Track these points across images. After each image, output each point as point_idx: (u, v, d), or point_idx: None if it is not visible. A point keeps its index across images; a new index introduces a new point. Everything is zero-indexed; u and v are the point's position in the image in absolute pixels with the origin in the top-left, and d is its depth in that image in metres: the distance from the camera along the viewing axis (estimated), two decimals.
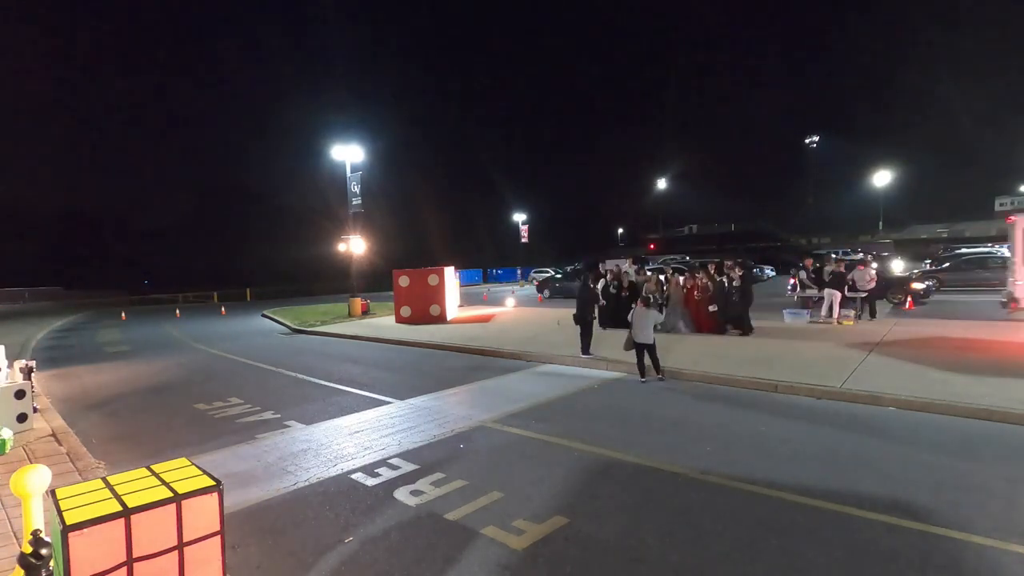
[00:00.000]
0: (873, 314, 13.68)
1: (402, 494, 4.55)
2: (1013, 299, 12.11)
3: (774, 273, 34.98)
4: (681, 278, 13.35)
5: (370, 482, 4.87)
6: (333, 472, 5.14)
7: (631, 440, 5.72)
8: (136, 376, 10.95)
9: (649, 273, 15.49)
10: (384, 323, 17.94)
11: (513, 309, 20.79)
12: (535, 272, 45.51)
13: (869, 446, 5.33)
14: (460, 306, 21.33)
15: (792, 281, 16.50)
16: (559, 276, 35.01)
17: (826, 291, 13.39)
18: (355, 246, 21.78)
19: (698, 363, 8.97)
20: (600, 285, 13.88)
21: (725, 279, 12.31)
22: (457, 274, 21.32)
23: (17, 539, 3.88)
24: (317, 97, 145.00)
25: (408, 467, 5.18)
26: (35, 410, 7.02)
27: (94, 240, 79.52)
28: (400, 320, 17.70)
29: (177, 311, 31.87)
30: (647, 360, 8.43)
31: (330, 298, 34.66)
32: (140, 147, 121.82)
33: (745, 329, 11.79)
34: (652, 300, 9.38)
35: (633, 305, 9.27)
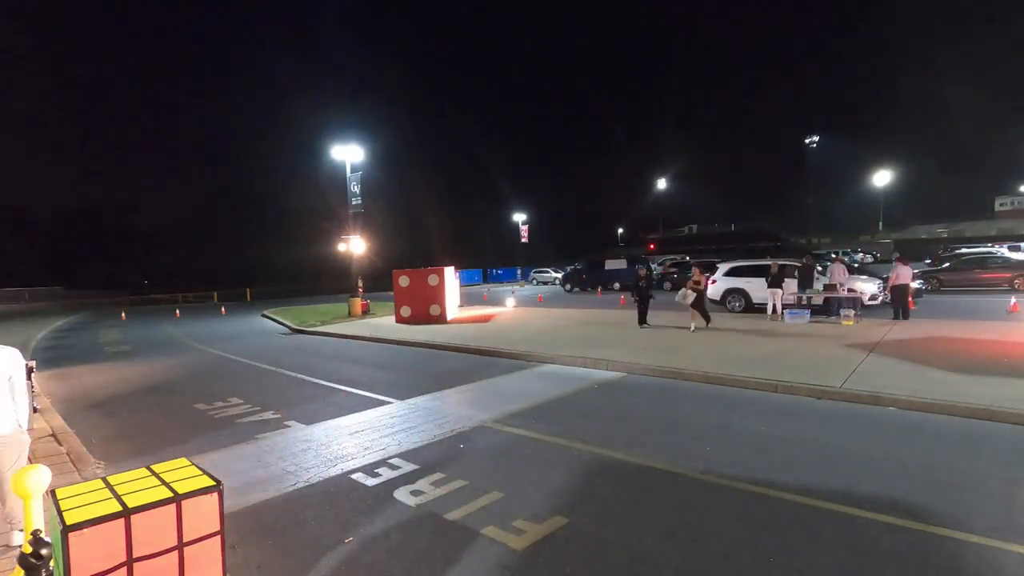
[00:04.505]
0: (906, 315, 13.01)
1: (402, 494, 4.55)
2: None
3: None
4: None
5: (370, 482, 4.87)
6: (333, 472, 5.15)
7: (631, 440, 5.72)
8: (136, 376, 10.95)
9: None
10: (384, 323, 17.93)
11: (513, 309, 20.79)
12: (535, 272, 45.52)
13: (869, 446, 5.32)
14: (460, 306, 21.32)
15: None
16: (580, 268, 34.81)
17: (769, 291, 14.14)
18: (355, 246, 21.78)
19: (698, 363, 8.97)
20: None
21: None
22: (457, 274, 21.31)
23: None
24: (318, 97, 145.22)
25: (408, 467, 5.18)
26: (35, 410, 7.02)
27: (94, 240, 79.45)
28: (400, 320, 17.70)
29: (177, 311, 31.86)
30: None
31: (330, 298, 34.65)
32: (140, 147, 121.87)
33: None
34: None
35: None
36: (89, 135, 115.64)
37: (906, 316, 13.00)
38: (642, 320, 13.72)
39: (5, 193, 75.61)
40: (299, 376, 10.09)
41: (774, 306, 14.30)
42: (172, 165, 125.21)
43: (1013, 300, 14.35)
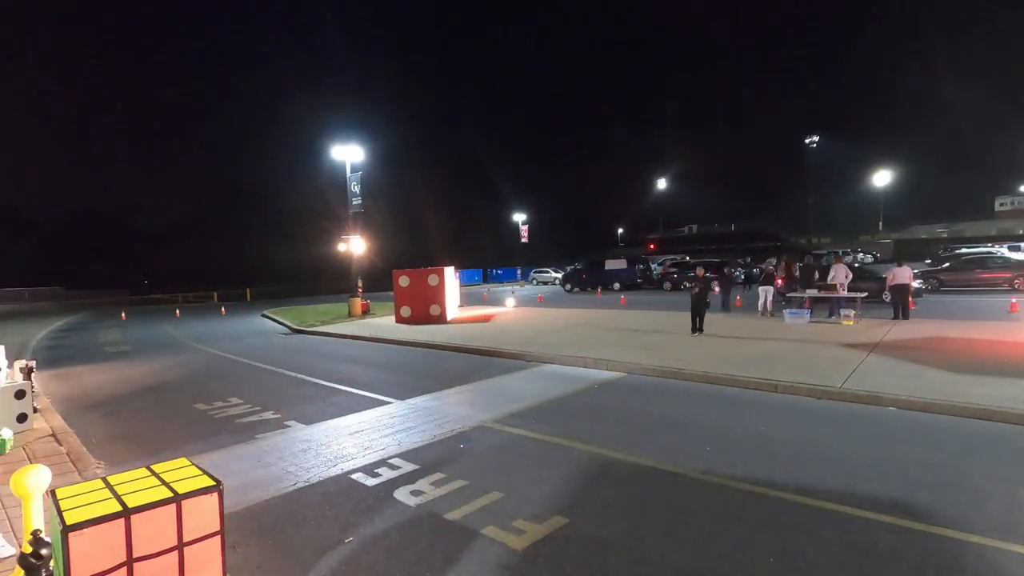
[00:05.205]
0: (906, 315, 13.04)
1: (402, 494, 4.55)
2: None
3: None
4: None
5: (370, 482, 4.87)
6: (333, 472, 5.15)
7: (631, 440, 5.72)
8: (136, 376, 10.95)
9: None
10: (384, 323, 17.93)
11: (513, 309, 20.79)
12: (535, 272, 45.51)
13: (869, 446, 5.33)
14: (460, 306, 21.33)
15: (779, 282, 16.66)
16: (580, 268, 34.39)
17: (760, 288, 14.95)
18: (355, 246, 21.78)
19: (698, 363, 8.97)
20: None
21: None
22: (457, 274, 21.30)
23: (17, 539, 3.88)
24: (318, 97, 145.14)
25: (408, 467, 5.18)
26: (35, 410, 7.02)
27: (94, 240, 79.45)
28: (400, 320, 17.70)
29: (177, 311, 31.87)
30: None
31: (330, 298, 34.65)
32: (140, 147, 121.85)
33: None
34: None
35: None
36: (90, 135, 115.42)
37: (906, 316, 13.04)
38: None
39: (5, 193, 75.57)
40: (299, 376, 10.09)
41: (764, 303, 15.01)
42: (172, 165, 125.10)
43: (1013, 300, 14.36)
